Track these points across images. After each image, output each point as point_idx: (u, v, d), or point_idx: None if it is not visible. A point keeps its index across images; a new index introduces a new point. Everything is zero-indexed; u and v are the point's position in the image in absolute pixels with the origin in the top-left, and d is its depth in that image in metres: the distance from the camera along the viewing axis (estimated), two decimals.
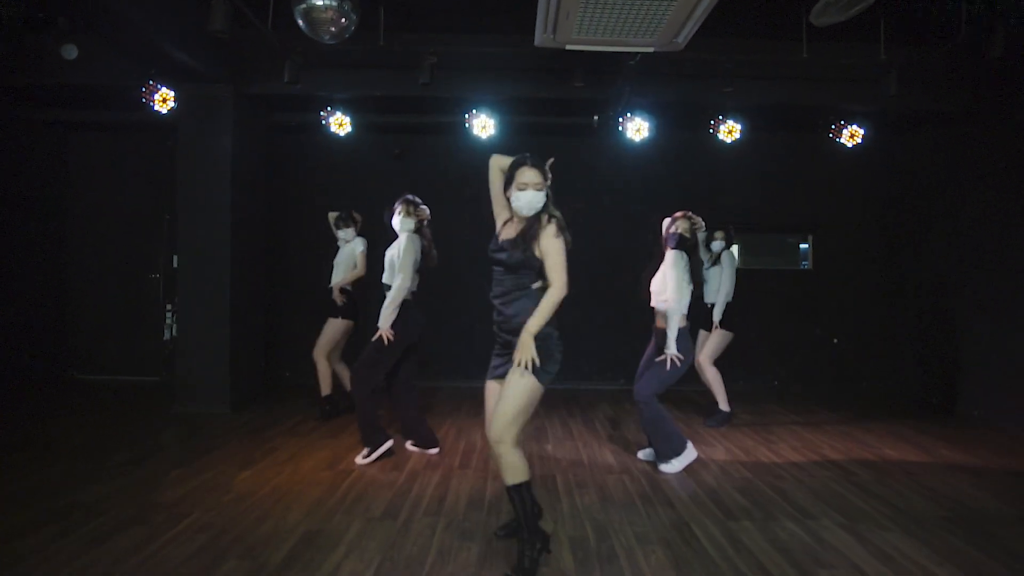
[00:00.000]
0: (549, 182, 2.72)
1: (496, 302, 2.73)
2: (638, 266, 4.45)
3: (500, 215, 2.86)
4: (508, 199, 2.72)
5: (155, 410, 5.46)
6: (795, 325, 7.00)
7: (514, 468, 2.60)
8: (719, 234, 5.31)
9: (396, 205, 4.16)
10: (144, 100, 4.91)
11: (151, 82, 4.90)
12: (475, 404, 5.96)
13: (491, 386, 2.79)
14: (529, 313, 2.60)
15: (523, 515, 2.62)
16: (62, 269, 6.89)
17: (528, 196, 2.65)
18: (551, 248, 2.63)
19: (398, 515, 3.22)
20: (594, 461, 4.22)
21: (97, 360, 6.92)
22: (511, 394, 2.59)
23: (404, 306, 4.05)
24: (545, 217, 2.68)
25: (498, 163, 2.85)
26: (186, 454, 4.20)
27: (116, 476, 3.74)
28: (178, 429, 4.86)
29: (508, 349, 2.71)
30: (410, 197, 4.19)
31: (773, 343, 6.93)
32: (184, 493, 3.47)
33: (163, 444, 4.45)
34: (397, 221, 4.14)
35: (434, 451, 4.30)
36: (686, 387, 6.05)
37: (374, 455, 4.06)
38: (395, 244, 4.16)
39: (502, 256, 2.70)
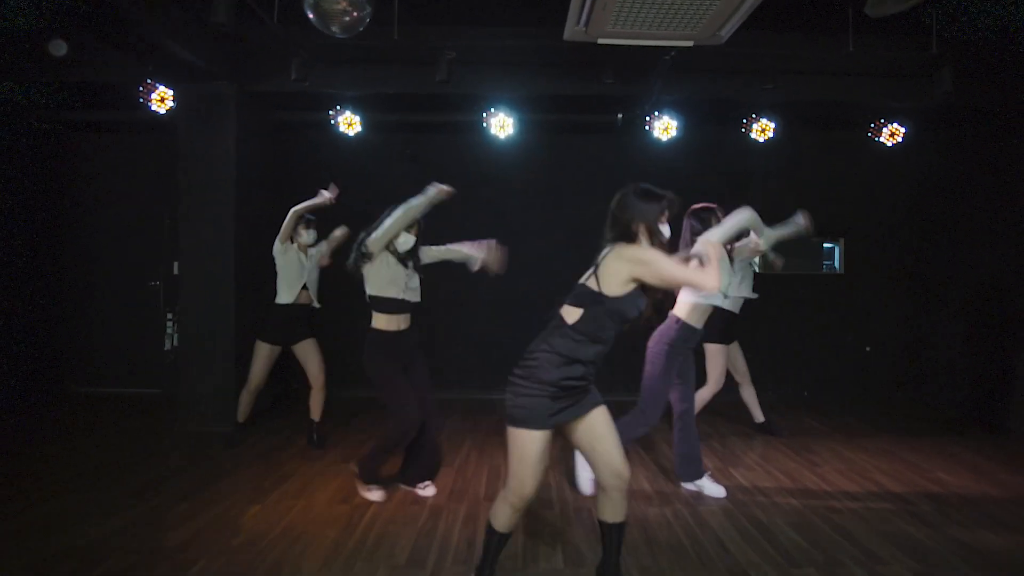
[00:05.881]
0: None
1: (605, 352, 2.42)
2: None
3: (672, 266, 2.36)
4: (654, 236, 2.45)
5: (157, 428, 5.16)
6: (824, 332, 6.69)
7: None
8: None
9: None
10: (141, 100, 4.56)
11: (148, 80, 4.55)
12: (493, 420, 5.66)
13: (547, 436, 2.34)
14: None
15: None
16: (58, 276, 6.55)
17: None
18: None
19: (425, 562, 2.92)
20: (630, 489, 3.90)
21: (96, 371, 6.60)
22: (614, 428, 2.48)
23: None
24: None
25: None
26: (193, 484, 3.89)
27: (118, 511, 3.44)
28: (183, 452, 4.55)
29: (580, 392, 2.41)
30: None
31: (802, 351, 6.62)
32: (190, 535, 3.16)
33: (168, 471, 4.14)
34: None
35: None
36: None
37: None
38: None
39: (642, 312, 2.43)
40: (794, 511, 3.59)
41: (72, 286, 6.60)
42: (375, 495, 3.63)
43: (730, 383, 5.13)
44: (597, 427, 2.41)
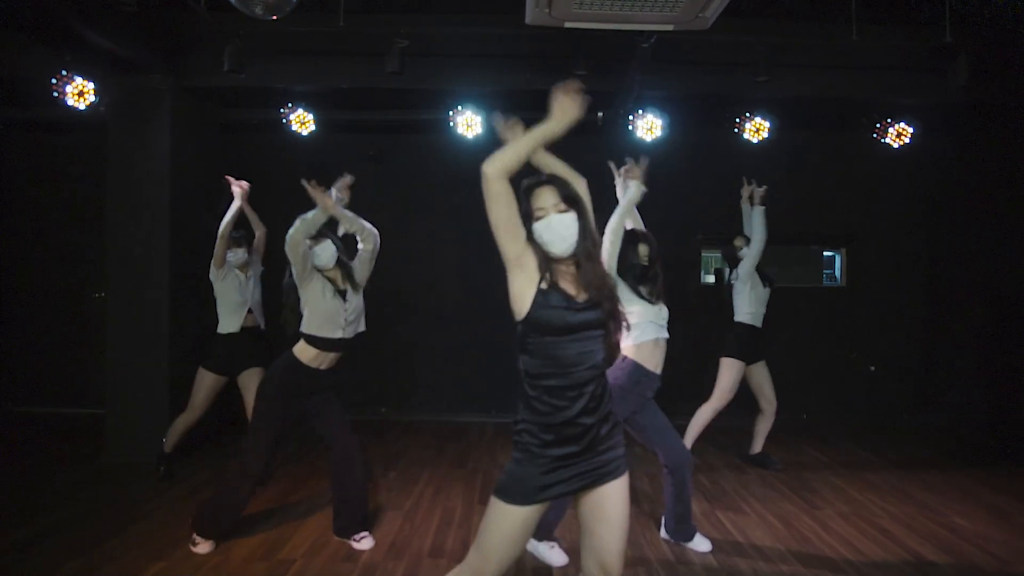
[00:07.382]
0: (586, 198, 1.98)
1: (588, 390, 1.81)
2: None
3: (524, 253, 1.86)
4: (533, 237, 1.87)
5: (82, 457, 4.65)
6: (826, 350, 6.17)
7: None
8: (740, 241, 4.55)
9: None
10: (56, 94, 4.07)
11: (63, 72, 4.05)
12: (460, 446, 5.16)
13: (528, 516, 1.83)
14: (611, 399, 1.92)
15: None
16: None
17: (553, 223, 1.84)
18: None
19: None
20: None
21: (37, 390, 6.10)
22: (626, 512, 1.89)
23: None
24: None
25: (501, 169, 1.77)
26: (95, 531, 3.37)
27: None
28: (98, 489, 4.04)
29: (591, 455, 1.84)
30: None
31: (801, 370, 6.08)
32: None
33: (72, 514, 3.62)
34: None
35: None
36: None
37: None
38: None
39: (594, 315, 1.82)
40: (788, 571, 3.07)
41: (8, 298, 6.10)
42: (202, 548, 3.13)
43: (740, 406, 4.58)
44: (607, 506, 1.85)
